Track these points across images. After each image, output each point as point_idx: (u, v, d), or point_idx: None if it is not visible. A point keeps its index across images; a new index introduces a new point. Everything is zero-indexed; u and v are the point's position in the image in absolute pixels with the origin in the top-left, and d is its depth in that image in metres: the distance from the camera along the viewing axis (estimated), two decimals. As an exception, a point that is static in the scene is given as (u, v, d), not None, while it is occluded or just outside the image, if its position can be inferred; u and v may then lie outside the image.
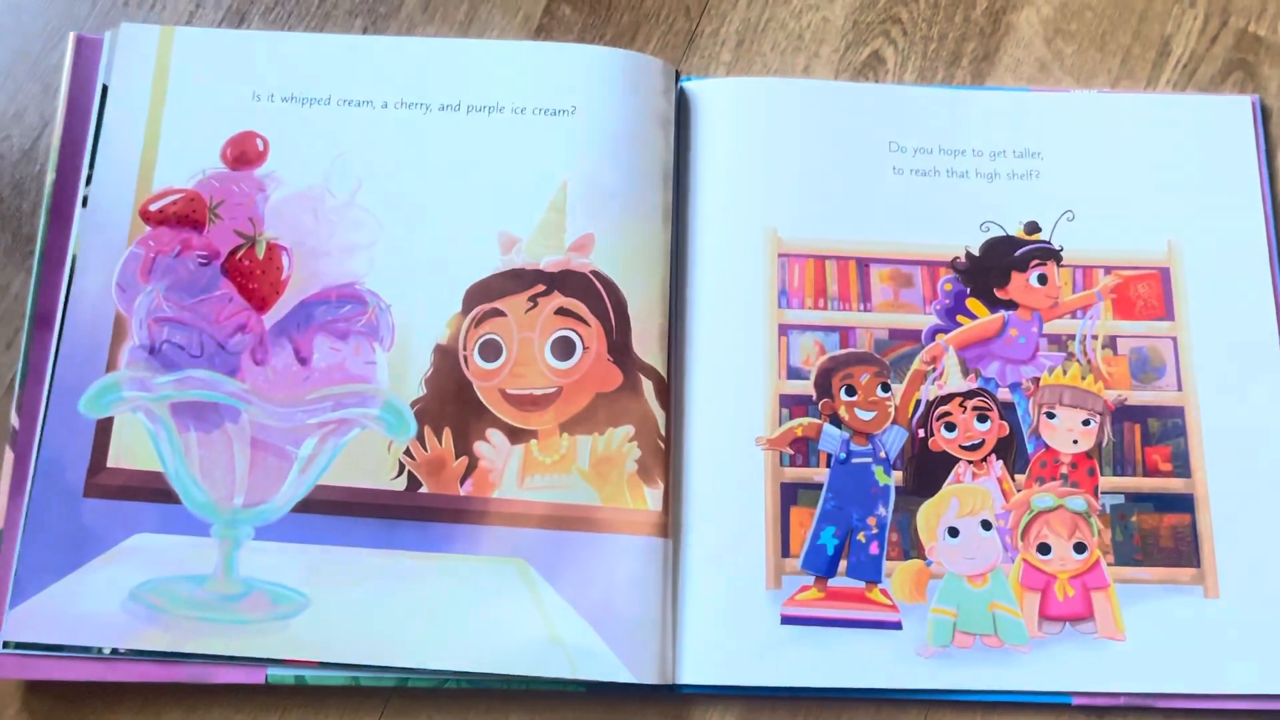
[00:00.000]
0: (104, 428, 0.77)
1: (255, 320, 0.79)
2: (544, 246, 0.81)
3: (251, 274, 0.80)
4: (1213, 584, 0.77)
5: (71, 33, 0.85)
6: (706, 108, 0.86)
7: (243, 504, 0.76)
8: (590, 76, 0.84)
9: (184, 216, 0.81)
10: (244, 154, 0.83)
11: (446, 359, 0.79)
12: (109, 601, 0.74)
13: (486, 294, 0.80)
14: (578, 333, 0.80)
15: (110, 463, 0.77)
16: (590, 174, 0.82)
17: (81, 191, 0.81)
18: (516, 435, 0.78)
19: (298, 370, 0.79)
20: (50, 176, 0.82)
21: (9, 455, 0.77)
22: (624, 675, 0.73)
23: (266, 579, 0.75)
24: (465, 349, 0.79)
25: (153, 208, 0.81)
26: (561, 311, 0.80)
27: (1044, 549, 0.78)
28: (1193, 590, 0.77)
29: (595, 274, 0.80)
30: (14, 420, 0.78)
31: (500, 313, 0.80)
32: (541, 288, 0.80)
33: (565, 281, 0.80)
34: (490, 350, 0.80)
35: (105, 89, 0.83)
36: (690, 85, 0.87)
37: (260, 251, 0.81)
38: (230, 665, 0.74)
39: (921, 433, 0.80)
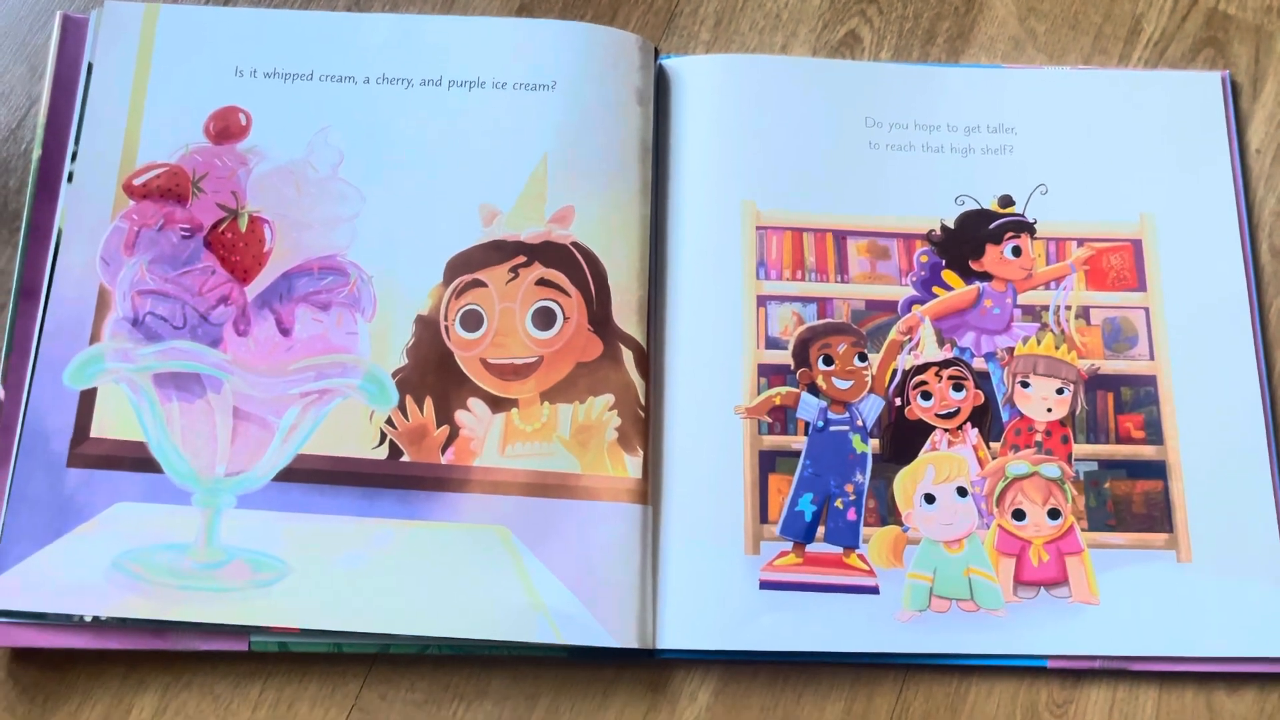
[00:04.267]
0: (88, 398, 0.75)
1: (238, 292, 0.77)
2: (525, 218, 0.79)
3: (234, 246, 0.78)
4: (1185, 549, 0.76)
5: (58, 12, 0.83)
6: (686, 84, 0.84)
7: (224, 473, 0.74)
8: (570, 52, 0.82)
9: (167, 190, 0.79)
10: (227, 128, 0.81)
11: (428, 329, 0.77)
12: (91, 570, 0.72)
13: (468, 265, 0.78)
14: (558, 303, 0.78)
15: (93, 433, 0.75)
16: (570, 148, 0.80)
17: (67, 168, 0.79)
18: (498, 404, 0.76)
19: (280, 341, 0.77)
20: (36, 153, 0.80)
21: (-5, 425, 0.74)
22: (605, 640, 0.71)
23: (247, 547, 0.73)
24: (446, 319, 0.77)
25: (136, 182, 0.79)
26: (542, 282, 0.78)
27: (1019, 515, 0.76)
28: (1165, 555, 0.76)
29: (575, 245, 0.78)
30: (0, 392, 0.75)
31: (481, 283, 0.78)
32: (522, 259, 0.78)
33: (546, 253, 0.78)
34: (471, 320, 0.77)
35: (90, 67, 0.81)
36: (669, 62, 0.85)
37: (243, 224, 0.79)
38: (213, 634, 0.71)
39: (898, 401, 0.79)
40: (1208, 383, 0.78)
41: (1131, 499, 0.77)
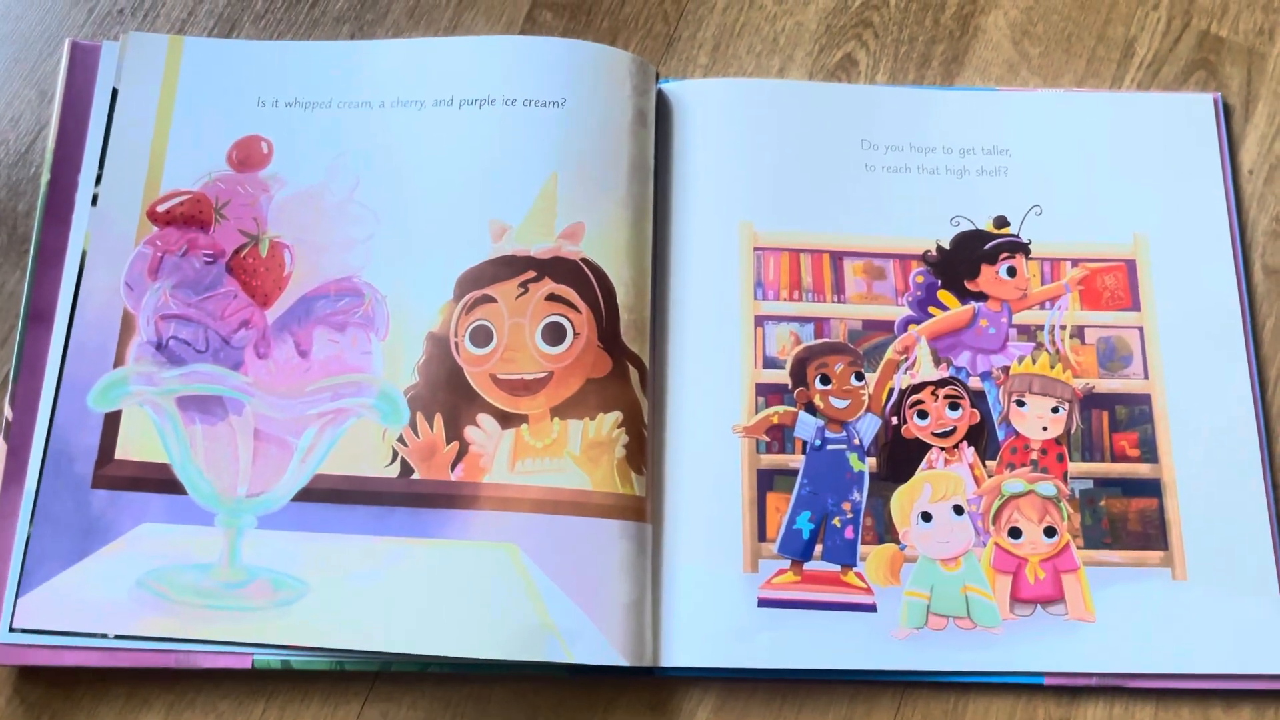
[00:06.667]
0: (112, 421, 0.69)
1: (258, 316, 0.71)
2: (534, 234, 0.72)
3: (255, 271, 0.72)
4: (1180, 566, 0.68)
5: (67, 39, 0.77)
6: (685, 108, 0.77)
7: (246, 494, 0.68)
8: (577, 70, 0.74)
9: (191, 217, 0.73)
10: (249, 157, 0.74)
11: (439, 346, 0.70)
12: (116, 589, 0.66)
13: (478, 281, 0.71)
14: (568, 319, 0.71)
15: (118, 455, 0.68)
16: (579, 165, 0.73)
17: (92, 190, 0.73)
18: (507, 420, 0.69)
19: (298, 363, 0.71)
20: (45, 177, 0.74)
21: (1, 446, 0.69)
22: (616, 659, 0.64)
23: (269, 567, 0.67)
24: (456, 336, 0.70)
25: (160, 209, 0.73)
26: (552, 298, 0.71)
27: (1015, 533, 0.69)
28: (1161, 573, 0.68)
29: (585, 261, 0.71)
30: (7, 413, 0.69)
31: (491, 299, 0.71)
32: (532, 274, 0.71)
33: (556, 268, 0.71)
34: (481, 336, 0.70)
35: (115, 92, 0.75)
36: (668, 86, 0.78)
37: (263, 250, 0.73)
38: (217, 650, 0.65)
39: (895, 420, 0.72)
40: (1202, 401, 0.71)
41: (1127, 517, 0.70)
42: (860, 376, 0.72)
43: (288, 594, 0.66)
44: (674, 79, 0.78)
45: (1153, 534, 0.69)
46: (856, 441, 0.70)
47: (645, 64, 0.75)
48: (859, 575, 0.68)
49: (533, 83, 0.74)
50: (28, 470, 0.68)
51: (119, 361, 0.69)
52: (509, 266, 0.71)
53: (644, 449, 0.69)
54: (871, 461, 0.70)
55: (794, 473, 0.70)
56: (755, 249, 0.73)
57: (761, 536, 0.68)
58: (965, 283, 0.74)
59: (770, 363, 0.72)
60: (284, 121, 0.75)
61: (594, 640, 0.64)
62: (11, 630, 0.64)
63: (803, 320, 0.73)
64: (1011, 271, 0.74)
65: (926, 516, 0.69)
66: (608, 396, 0.69)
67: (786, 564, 0.68)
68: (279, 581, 0.66)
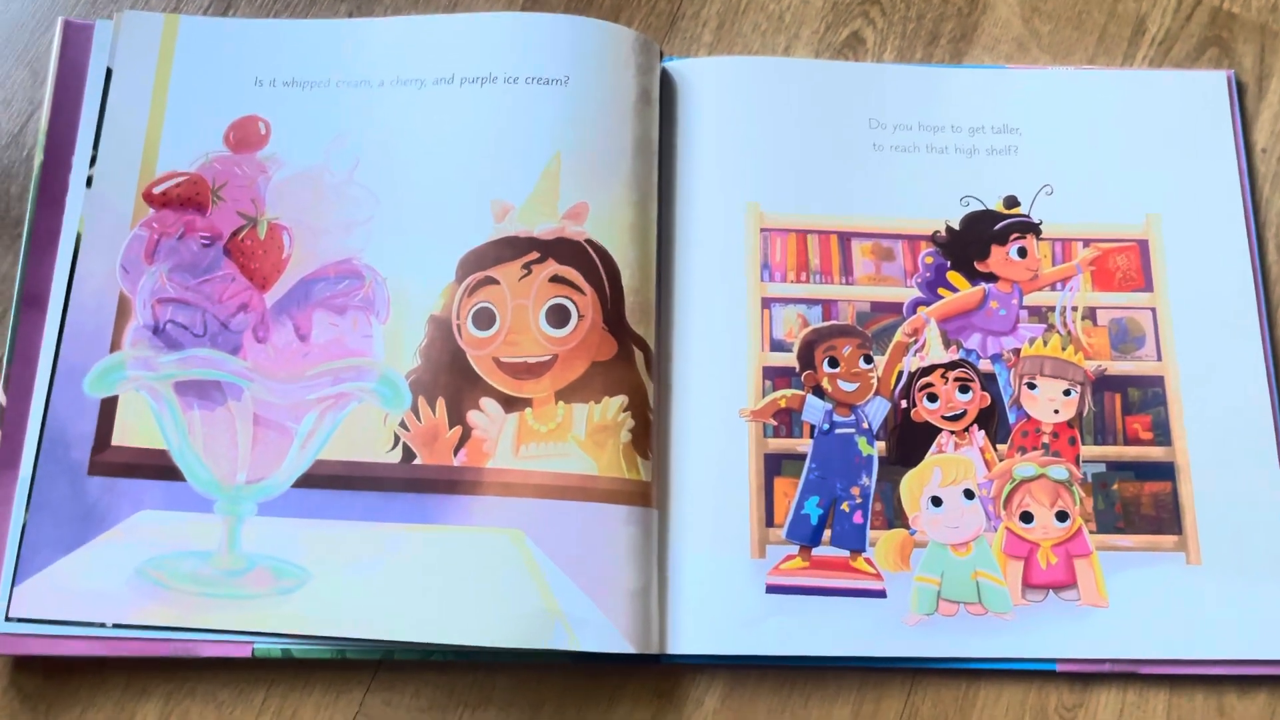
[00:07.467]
0: (108, 406, 0.68)
1: (257, 299, 0.70)
2: (538, 214, 0.70)
3: (253, 254, 0.71)
4: (1194, 551, 0.67)
5: (60, 18, 0.75)
6: (689, 87, 0.75)
7: (245, 480, 0.67)
8: (580, 47, 0.73)
9: (187, 199, 0.72)
10: (246, 138, 0.73)
11: (440, 329, 0.69)
12: (114, 577, 0.65)
13: (480, 262, 0.70)
14: (573, 301, 0.69)
15: (115, 441, 0.67)
16: (583, 144, 0.71)
17: (86, 172, 0.72)
18: (511, 404, 0.68)
19: (298, 347, 0.69)
20: (38, 159, 0.72)
21: (-4, 432, 0.69)
22: (623, 646, 0.63)
23: (269, 554, 0.66)
24: (458, 318, 0.69)
25: (156, 191, 0.72)
26: (556, 279, 0.69)
27: (1026, 517, 0.68)
28: (1174, 557, 0.67)
29: (589, 242, 0.70)
30: (1, 398, 0.68)
31: (493, 281, 0.69)
32: (535, 255, 0.70)
33: (559, 249, 0.70)
34: (483, 318, 0.69)
35: (110, 72, 0.73)
36: (672, 65, 0.76)
37: (262, 232, 0.71)
38: (217, 639, 0.64)
39: (904, 404, 0.70)
40: (1215, 383, 0.70)
41: (1140, 501, 0.69)
42: (869, 359, 0.70)
43: (288, 582, 0.65)
44: (678, 57, 0.76)
45: (1166, 518, 0.67)
46: (865, 425, 0.69)
47: (649, 41, 0.74)
48: (868, 561, 0.67)
49: (535, 60, 0.72)
50: (23, 457, 0.67)
51: (115, 346, 0.68)
52: (512, 247, 0.70)
53: (650, 433, 0.68)
54: (880, 445, 0.69)
55: (802, 457, 0.69)
56: (762, 230, 0.72)
57: (769, 522, 0.67)
58: (975, 264, 0.72)
59: (777, 345, 0.70)
60: (282, 101, 0.73)
61: (600, 627, 0.63)
62: (7, 619, 0.63)
63: (810, 302, 0.71)
64: (1022, 252, 0.73)
65: (937, 501, 0.68)
66: (613, 380, 0.68)
67: (795, 550, 0.67)
68: (279, 569, 0.65)
